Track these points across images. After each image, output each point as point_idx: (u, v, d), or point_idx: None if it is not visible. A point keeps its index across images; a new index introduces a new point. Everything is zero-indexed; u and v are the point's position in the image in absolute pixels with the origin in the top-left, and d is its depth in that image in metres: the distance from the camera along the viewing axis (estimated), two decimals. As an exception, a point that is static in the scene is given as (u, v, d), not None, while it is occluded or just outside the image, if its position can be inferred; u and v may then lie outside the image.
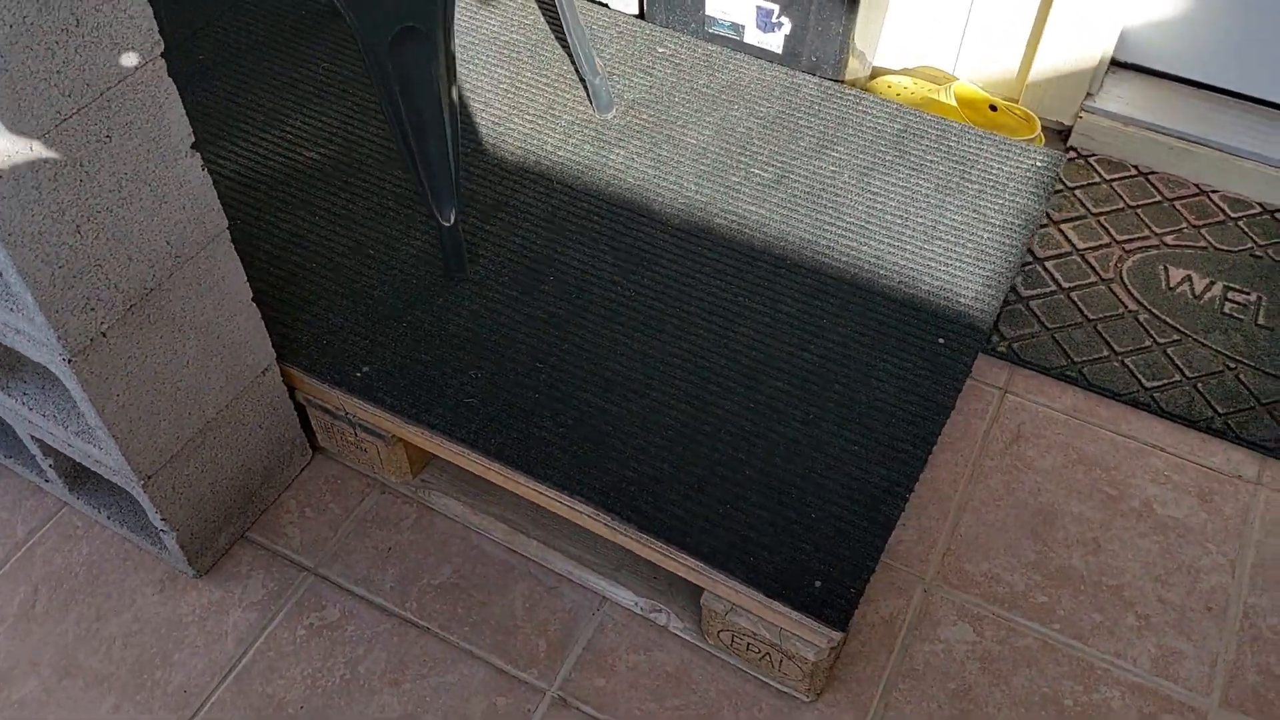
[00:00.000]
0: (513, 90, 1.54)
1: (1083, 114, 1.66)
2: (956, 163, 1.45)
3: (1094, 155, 1.68)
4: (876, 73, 1.80)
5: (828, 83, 1.56)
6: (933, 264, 1.34)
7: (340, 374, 1.22)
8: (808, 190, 1.42)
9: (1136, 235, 1.56)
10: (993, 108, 1.68)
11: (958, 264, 1.34)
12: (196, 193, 0.99)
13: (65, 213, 0.87)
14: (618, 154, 1.46)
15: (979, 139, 1.48)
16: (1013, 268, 1.34)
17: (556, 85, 1.55)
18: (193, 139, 0.96)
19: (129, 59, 0.86)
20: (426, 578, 1.24)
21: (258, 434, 1.21)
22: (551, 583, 1.24)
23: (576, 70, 1.56)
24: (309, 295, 1.29)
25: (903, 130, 1.49)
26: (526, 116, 1.51)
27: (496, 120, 1.50)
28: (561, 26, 1.40)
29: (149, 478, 1.09)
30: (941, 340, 1.26)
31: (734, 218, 1.39)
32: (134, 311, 0.98)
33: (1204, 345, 1.43)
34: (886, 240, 1.36)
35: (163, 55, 0.90)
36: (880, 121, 1.51)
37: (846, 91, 1.55)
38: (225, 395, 1.14)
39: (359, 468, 1.32)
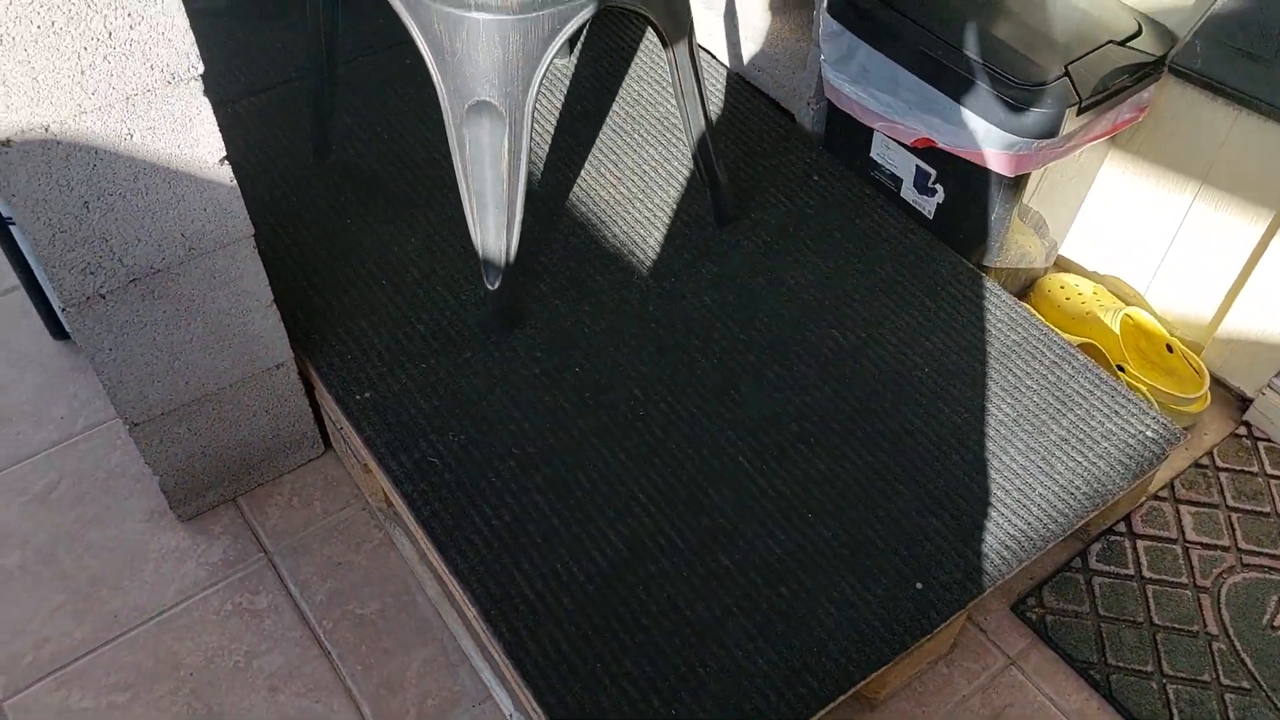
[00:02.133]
0: (643, 177, 1.53)
1: (1270, 390, 1.42)
2: (1056, 397, 1.28)
3: (1267, 441, 1.42)
4: (1064, 265, 1.62)
5: (966, 265, 1.42)
6: (959, 498, 1.19)
7: (345, 391, 1.28)
8: (877, 373, 1.31)
9: (1266, 550, 1.31)
10: (1169, 348, 1.47)
11: (987, 509, 1.19)
12: (222, 200, 1.08)
13: (73, 189, 0.97)
14: (710, 269, 1.42)
15: (1095, 381, 1.30)
16: (1046, 538, 1.17)
17: (692, 184, 1.53)
18: (223, 154, 1.05)
19: (160, 75, 0.95)
20: (355, 605, 1.28)
21: (262, 418, 1.30)
22: (455, 658, 1.24)
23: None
24: (364, 307, 1.36)
25: (1018, 343, 1.34)
26: (643, 207, 1.50)
27: (616, 202, 1.50)
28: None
29: (135, 424, 1.20)
30: (920, 585, 1.13)
31: (786, 375, 1.31)
32: (137, 284, 1.08)
33: (1277, 709, 1.18)
34: (928, 455, 1.23)
35: (201, 78, 0.98)
36: (999, 326, 1.36)
37: (982, 282, 1.41)
38: (230, 378, 1.23)
39: (355, 477, 1.39)
